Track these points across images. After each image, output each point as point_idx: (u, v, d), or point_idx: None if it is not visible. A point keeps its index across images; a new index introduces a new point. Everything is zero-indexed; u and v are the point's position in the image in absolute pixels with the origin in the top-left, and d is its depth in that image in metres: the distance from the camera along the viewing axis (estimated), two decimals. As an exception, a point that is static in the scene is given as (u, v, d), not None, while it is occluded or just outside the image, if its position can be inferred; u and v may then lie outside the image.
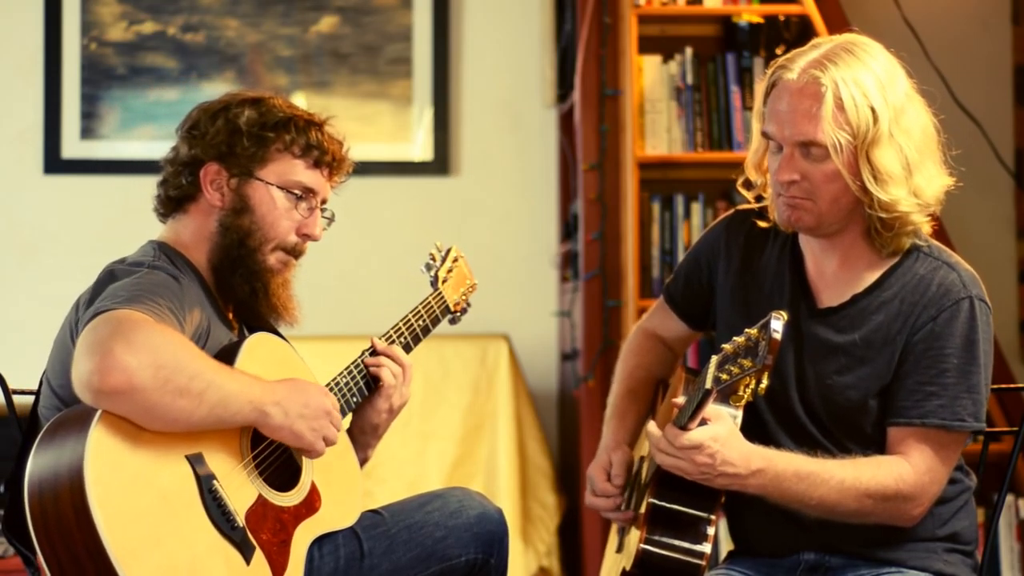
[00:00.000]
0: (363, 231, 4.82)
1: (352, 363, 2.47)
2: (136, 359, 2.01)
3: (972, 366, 2.33)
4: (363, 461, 2.53)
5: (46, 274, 4.69)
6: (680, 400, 2.31)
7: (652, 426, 2.30)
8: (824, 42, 2.38)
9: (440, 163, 4.82)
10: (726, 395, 2.17)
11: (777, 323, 2.06)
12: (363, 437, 2.52)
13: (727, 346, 2.14)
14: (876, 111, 2.29)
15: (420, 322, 2.58)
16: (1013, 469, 2.53)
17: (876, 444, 2.37)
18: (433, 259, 2.68)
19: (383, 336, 2.52)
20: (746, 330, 2.12)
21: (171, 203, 2.41)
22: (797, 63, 2.34)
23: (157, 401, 2.04)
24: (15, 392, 2.39)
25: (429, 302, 2.62)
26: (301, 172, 2.39)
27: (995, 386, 2.41)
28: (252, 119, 2.37)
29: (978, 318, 2.34)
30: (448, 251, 2.71)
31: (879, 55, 2.36)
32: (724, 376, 2.12)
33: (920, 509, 2.34)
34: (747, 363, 2.10)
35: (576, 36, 4.45)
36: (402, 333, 2.54)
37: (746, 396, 2.13)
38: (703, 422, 2.24)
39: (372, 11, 4.81)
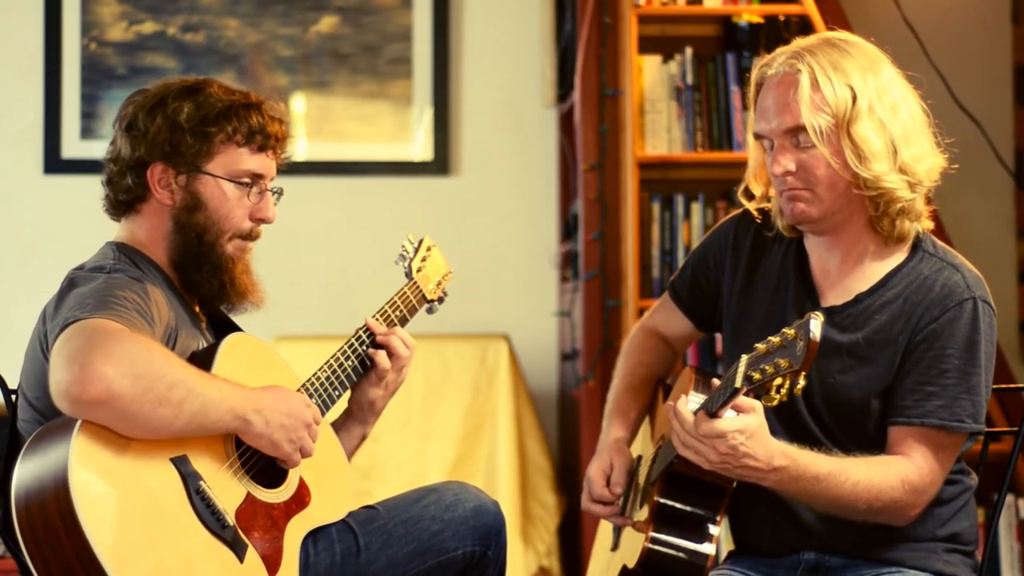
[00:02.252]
0: (363, 231, 4.82)
1: (339, 351, 2.47)
2: (115, 369, 2.02)
3: (973, 367, 2.33)
4: (363, 438, 2.55)
5: (46, 274, 4.65)
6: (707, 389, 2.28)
7: (682, 403, 2.24)
8: (806, 39, 2.39)
9: (440, 163, 4.82)
10: (756, 395, 2.13)
11: (815, 324, 2.02)
12: (360, 413, 2.54)
13: (760, 345, 2.09)
14: (855, 89, 2.31)
15: (397, 313, 2.58)
16: (1013, 469, 2.53)
17: (878, 444, 2.36)
18: (405, 251, 2.69)
19: (361, 328, 2.52)
20: (783, 330, 2.07)
21: (121, 206, 2.40)
22: (777, 59, 2.37)
23: (137, 410, 2.04)
24: (14, 392, 2.38)
25: (405, 292, 2.62)
26: (247, 160, 2.39)
27: (995, 386, 2.41)
28: (191, 114, 2.35)
29: (980, 319, 2.33)
30: (421, 241, 2.71)
31: (861, 45, 2.38)
32: (756, 375, 2.08)
33: (918, 510, 2.34)
34: (784, 363, 2.05)
35: (576, 36, 4.45)
36: (362, 343, 2.53)
37: (779, 397, 2.07)
38: (734, 411, 2.22)
39: (372, 11, 4.81)
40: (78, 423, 2.03)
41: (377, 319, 2.54)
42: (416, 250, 2.69)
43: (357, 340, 2.50)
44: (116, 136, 2.40)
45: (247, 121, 2.37)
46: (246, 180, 2.39)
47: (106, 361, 2.02)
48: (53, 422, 2.10)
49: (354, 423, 2.54)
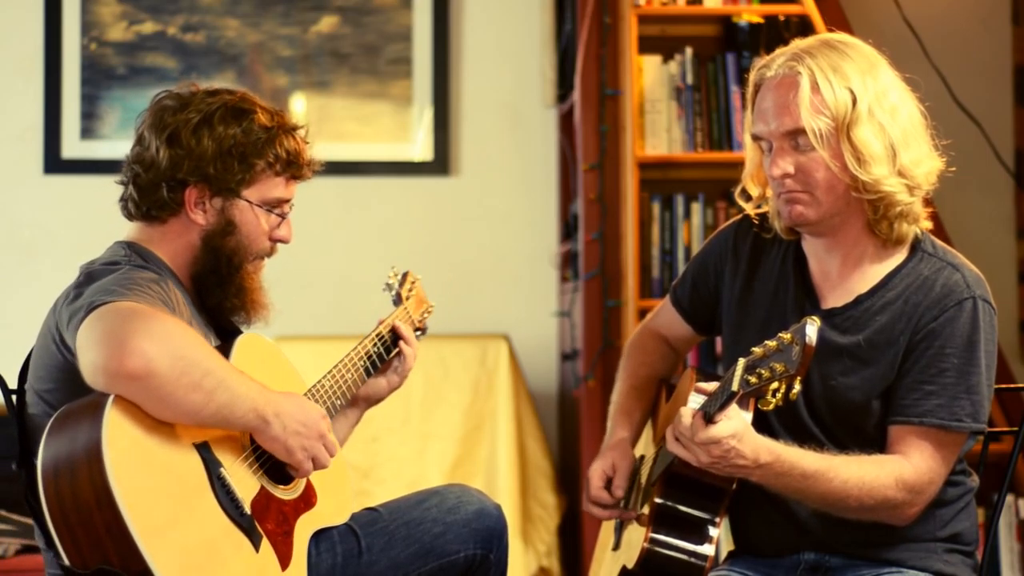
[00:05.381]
0: (363, 231, 4.82)
1: (347, 359, 2.52)
2: (155, 347, 2.03)
3: (972, 367, 2.33)
4: (356, 422, 2.62)
5: (46, 274, 4.69)
6: (709, 387, 2.29)
7: (684, 411, 2.25)
8: (804, 41, 2.39)
9: (440, 163, 4.82)
10: (755, 399, 2.13)
11: (812, 328, 2.02)
12: (363, 404, 2.62)
13: (757, 349, 2.10)
14: (854, 92, 2.31)
15: (392, 335, 2.64)
16: (1013, 469, 2.53)
17: (878, 445, 2.36)
18: (391, 279, 2.74)
19: (358, 345, 2.57)
20: (780, 334, 2.08)
21: (147, 213, 2.39)
22: (776, 61, 2.37)
23: (172, 391, 2.05)
24: (14, 392, 2.38)
25: (397, 315, 2.68)
26: (280, 188, 2.42)
27: (996, 386, 2.41)
28: (239, 140, 2.36)
29: (981, 319, 2.34)
30: (405, 274, 2.77)
31: (859, 47, 2.38)
32: (753, 379, 2.08)
33: (916, 509, 2.34)
34: (779, 367, 2.05)
35: (576, 36, 4.45)
36: (376, 345, 2.59)
37: (775, 401, 2.08)
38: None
39: (372, 11, 4.81)
40: (110, 400, 2.04)
41: (373, 339, 2.59)
42: (402, 282, 2.74)
43: (372, 345, 2.55)
44: (150, 141, 2.37)
45: (286, 149, 2.40)
46: (275, 207, 2.42)
47: (146, 338, 2.03)
48: (78, 401, 2.09)
49: (352, 409, 2.60)
